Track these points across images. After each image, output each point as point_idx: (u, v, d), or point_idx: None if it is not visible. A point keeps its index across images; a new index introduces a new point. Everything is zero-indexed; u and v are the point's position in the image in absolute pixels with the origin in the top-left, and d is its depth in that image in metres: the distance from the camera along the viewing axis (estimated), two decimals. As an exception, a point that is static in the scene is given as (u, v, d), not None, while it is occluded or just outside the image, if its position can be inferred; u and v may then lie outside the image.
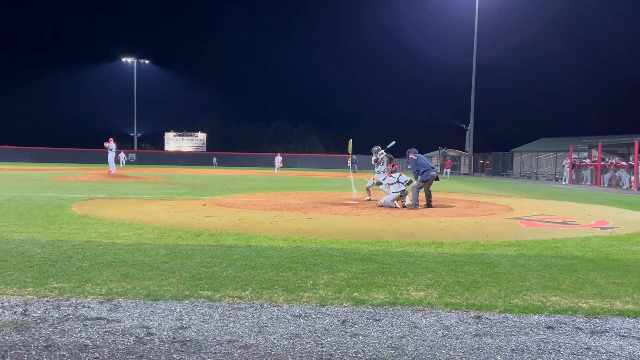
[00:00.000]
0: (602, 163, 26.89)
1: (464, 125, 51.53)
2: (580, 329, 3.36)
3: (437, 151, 57.39)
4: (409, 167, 12.17)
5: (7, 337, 3.00)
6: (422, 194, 11.60)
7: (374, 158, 12.94)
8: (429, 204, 11.51)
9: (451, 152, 55.97)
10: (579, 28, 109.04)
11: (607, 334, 3.28)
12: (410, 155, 12.01)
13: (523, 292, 4.13)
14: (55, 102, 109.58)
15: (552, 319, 3.53)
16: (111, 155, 25.07)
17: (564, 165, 31.26)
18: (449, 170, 40.55)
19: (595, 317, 3.58)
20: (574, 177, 29.46)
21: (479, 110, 50.83)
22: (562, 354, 2.95)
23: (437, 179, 11.78)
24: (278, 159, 41.27)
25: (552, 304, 3.84)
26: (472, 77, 47.76)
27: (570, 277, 4.66)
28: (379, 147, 13.09)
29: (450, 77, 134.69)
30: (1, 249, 5.43)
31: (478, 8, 46.32)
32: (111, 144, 25.23)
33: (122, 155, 50.02)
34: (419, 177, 11.51)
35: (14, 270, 4.49)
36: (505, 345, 3.04)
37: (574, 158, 30.41)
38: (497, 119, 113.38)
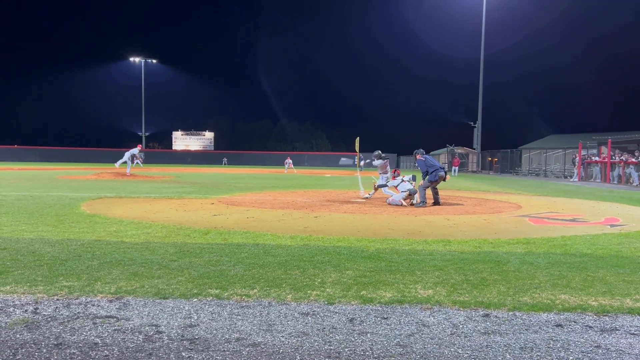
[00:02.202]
0: (612, 160, 26.68)
1: (472, 123, 51.27)
2: (590, 327, 3.34)
3: (445, 148, 57.20)
4: (416, 164, 12.11)
5: (18, 336, 3.03)
6: (429, 192, 11.57)
7: (378, 162, 13.03)
8: (437, 202, 11.50)
9: (459, 150, 55.78)
10: (589, 23, 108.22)
11: (617, 332, 3.26)
12: (418, 157, 11.96)
13: (532, 290, 4.11)
14: (64, 101, 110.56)
15: (561, 317, 3.52)
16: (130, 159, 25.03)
17: (574, 161, 31.02)
18: (457, 168, 40.41)
19: (605, 315, 3.56)
20: (582, 174, 29.26)
21: (486, 107, 50.61)
22: (571, 352, 2.93)
23: (444, 179, 11.64)
24: (288, 161, 42.18)
25: (561, 301, 3.82)
26: (480, 73, 47.54)
27: (579, 275, 4.64)
28: (380, 152, 13.35)
29: (458, 74, 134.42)
30: (12, 248, 5.49)
31: (486, 3, 46.08)
32: (134, 150, 25.45)
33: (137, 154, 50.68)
34: (427, 177, 11.48)
35: (24, 269, 4.53)
36: (514, 344, 3.03)
37: (583, 155, 30.19)
38: (505, 115, 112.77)
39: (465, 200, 13.18)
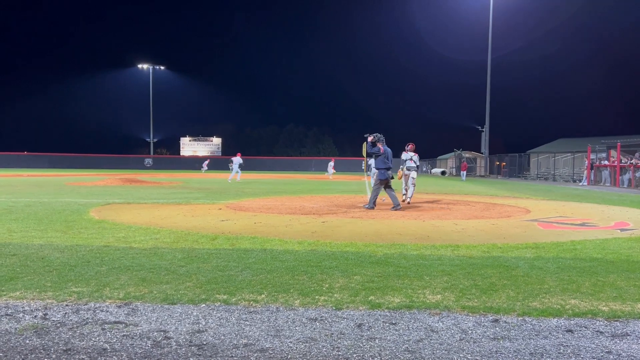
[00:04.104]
0: (621, 164, 26.48)
1: (480, 127, 51.09)
2: (601, 332, 3.31)
3: (453, 153, 57.04)
4: (371, 150, 11.42)
5: (27, 341, 3.05)
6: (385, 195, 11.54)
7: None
8: (398, 205, 11.08)
9: (467, 154, 55.60)
10: (597, 26, 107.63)
11: (628, 337, 3.23)
12: (379, 144, 11.36)
13: (541, 295, 4.08)
14: (73, 108, 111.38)
15: (571, 322, 3.49)
16: (234, 167, 27.27)
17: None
18: (464, 173, 40.20)
19: (616, 320, 3.52)
20: (592, 178, 29.05)
21: (494, 110, 50.35)
22: (582, 358, 2.90)
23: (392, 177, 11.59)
24: (331, 164, 39.65)
25: (571, 307, 3.79)
26: (487, 77, 47.43)
27: (589, 280, 4.59)
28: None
29: (465, 77, 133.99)
30: (21, 254, 5.52)
31: (493, 7, 46.03)
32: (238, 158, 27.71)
33: (206, 162, 53.53)
34: (377, 174, 11.36)
35: (34, 275, 4.56)
36: (524, 349, 3.00)
37: (592, 159, 29.98)
38: (513, 119, 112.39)
39: (473, 204, 13.12)
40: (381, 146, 11.35)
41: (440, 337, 3.18)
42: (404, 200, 12.83)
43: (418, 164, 13.30)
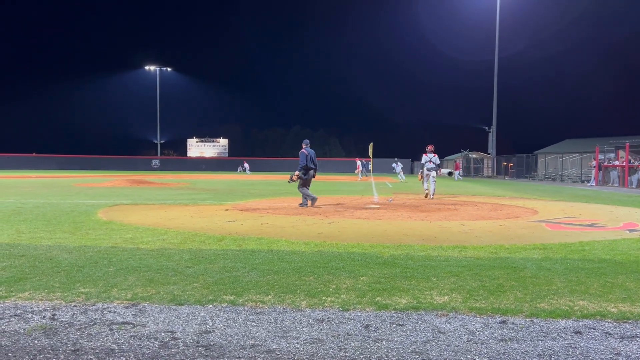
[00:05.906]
0: (630, 164, 26.28)
1: (487, 128, 50.89)
2: (610, 333, 3.28)
3: (460, 153, 56.84)
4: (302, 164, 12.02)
5: (36, 342, 3.07)
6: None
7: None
8: (313, 199, 11.93)
9: (474, 155, 55.43)
10: (605, 27, 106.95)
11: (637, 338, 3.20)
12: (303, 146, 12.03)
13: (549, 296, 4.06)
14: (80, 110, 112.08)
15: (580, 323, 3.46)
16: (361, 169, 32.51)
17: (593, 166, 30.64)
18: (458, 172, 39.96)
19: (625, 322, 3.49)
20: (600, 178, 28.86)
21: (501, 111, 50.14)
22: (591, 359, 2.88)
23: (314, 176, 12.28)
24: (361, 162, 37.20)
25: (579, 308, 3.76)
26: (494, 77, 47.26)
27: (598, 281, 4.56)
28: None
29: (472, 78, 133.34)
30: (30, 255, 5.56)
31: (499, 6, 45.87)
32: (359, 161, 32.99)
33: (246, 165, 55.28)
34: (301, 174, 11.87)
35: (42, 276, 4.59)
36: (532, 351, 2.99)
37: (601, 159, 29.78)
38: (520, 120, 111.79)
39: (480, 205, 13.07)
40: (304, 149, 12.00)
41: (447, 339, 3.17)
42: (426, 196, 15.16)
43: (438, 163, 15.45)
